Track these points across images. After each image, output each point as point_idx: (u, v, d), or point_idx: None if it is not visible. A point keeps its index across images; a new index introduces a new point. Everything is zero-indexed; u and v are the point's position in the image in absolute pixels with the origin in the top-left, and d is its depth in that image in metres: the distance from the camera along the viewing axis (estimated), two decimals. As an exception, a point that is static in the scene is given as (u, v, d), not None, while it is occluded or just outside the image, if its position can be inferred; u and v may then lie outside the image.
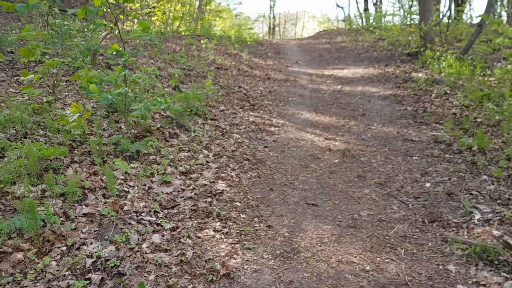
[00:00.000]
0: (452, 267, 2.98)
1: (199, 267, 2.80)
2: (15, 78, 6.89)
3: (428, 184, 4.43)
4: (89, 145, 4.17)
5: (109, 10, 4.22)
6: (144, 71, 6.67)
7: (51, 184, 3.17)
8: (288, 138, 5.70)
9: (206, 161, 4.65)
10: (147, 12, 26.98)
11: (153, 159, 4.42)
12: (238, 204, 3.79)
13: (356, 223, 3.64)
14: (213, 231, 3.30)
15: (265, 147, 5.28)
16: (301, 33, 49.29)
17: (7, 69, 7.32)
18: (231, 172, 4.42)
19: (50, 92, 5.69)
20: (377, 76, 10.16)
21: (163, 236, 3.13)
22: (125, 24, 20.83)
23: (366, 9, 26.88)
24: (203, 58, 10.46)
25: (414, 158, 5.16)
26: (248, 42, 14.78)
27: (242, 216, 3.61)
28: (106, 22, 4.17)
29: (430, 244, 3.31)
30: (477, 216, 3.67)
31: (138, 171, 4.12)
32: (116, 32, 4.15)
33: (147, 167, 4.18)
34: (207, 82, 7.34)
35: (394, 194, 4.24)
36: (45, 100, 5.56)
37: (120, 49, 4.38)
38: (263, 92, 8.41)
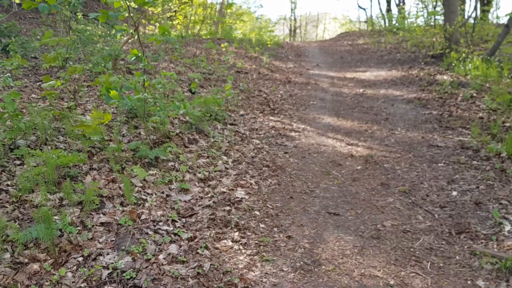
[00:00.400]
0: (482, 282, 2.82)
1: (217, 280, 2.71)
2: (37, 83, 6.98)
3: (454, 193, 4.25)
4: (108, 151, 4.16)
5: (130, 15, 4.21)
6: (164, 76, 6.66)
7: (68, 193, 3.15)
8: (309, 143, 5.58)
9: (225, 168, 4.57)
10: (169, 16, 27.29)
11: (171, 165, 4.37)
12: (257, 213, 3.70)
13: (380, 234, 3.50)
14: (231, 241, 3.22)
15: (285, 153, 5.18)
16: (322, 35, 48.94)
17: (30, 75, 7.44)
18: (250, 179, 4.34)
19: (72, 98, 5.73)
20: (401, 78, 9.92)
21: (180, 246, 3.06)
22: (147, 28, 21.07)
23: (388, 10, 26.44)
24: (223, 61, 10.43)
25: (439, 165, 4.97)
26: (269, 45, 14.71)
27: (261, 225, 3.52)
28: (126, 27, 4.15)
29: (457, 257, 3.15)
30: (508, 227, 3.48)
31: (157, 178, 4.08)
32: (136, 37, 4.12)
33: (166, 174, 4.13)
34: (227, 86, 7.28)
35: (419, 203, 4.08)
36: (66, 106, 5.60)
37: (140, 54, 4.35)
38: (283, 96, 8.31)
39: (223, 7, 23.42)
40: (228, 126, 5.98)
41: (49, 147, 4.21)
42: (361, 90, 8.94)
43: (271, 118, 6.72)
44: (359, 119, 6.90)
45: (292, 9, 46.83)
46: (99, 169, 3.97)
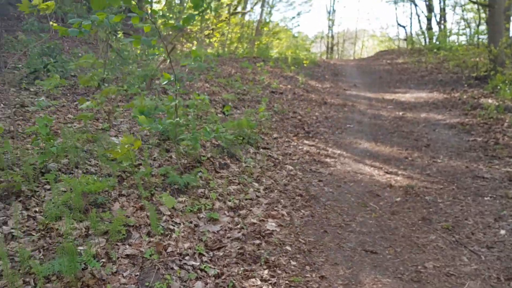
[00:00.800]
0: None
1: (243, 327, 2.53)
2: (74, 103, 7.11)
3: (503, 231, 3.89)
4: (136, 177, 4.09)
5: (161, 40, 4.22)
6: (196, 98, 6.62)
7: (94, 223, 3.07)
8: (345, 171, 5.34)
9: (256, 196, 4.41)
10: (206, 33, 27.71)
11: (201, 192, 4.25)
12: (289, 248, 3.50)
13: (421, 277, 3.22)
14: (260, 280, 3.03)
15: (319, 181, 4.96)
16: (360, 52, 48.42)
17: (68, 94, 7.59)
18: (282, 210, 4.14)
19: (106, 119, 5.75)
20: (442, 101, 9.50)
21: (206, 284, 2.90)
22: (185, 46, 21.46)
23: (429, 28, 25.77)
24: (258, 81, 10.36)
25: (486, 198, 4.61)
26: (305, 65, 14.57)
27: (293, 263, 3.31)
28: (161, 49, 4.11)
29: (510, 310, 2.83)
30: None
31: (186, 205, 3.96)
32: (169, 61, 4.09)
33: (195, 202, 4.01)
34: (261, 108, 7.16)
35: (464, 242, 3.75)
36: (100, 127, 5.63)
37: (172, 78, 4.30)
38: (319, 118, 8.10)
39: (260, 26, 23.58)
40: (261, 150, 5.83)
41: (80, 171, 4.19)
42: (400, 113, 8.60)
43: (305, 142, 6.52)
44: (399, 145, 6.58)
45: (329, 26, 46.73)
46: (128, 195, 3.90)
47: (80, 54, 10.62)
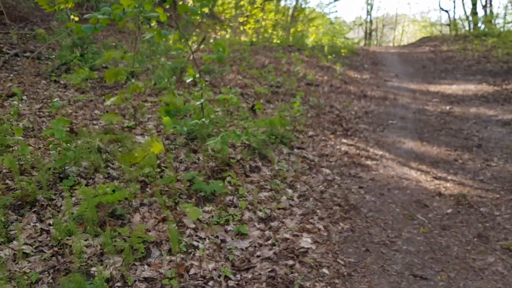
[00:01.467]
0: None
1: None
2: (102, 97, 6.89)
3: None
4: (161, 183, 3.77)
5: (180, 30, 3.91)
6: (226, 92, 6.24)
7: (108, 242, 2.77)
8: (388, 175, 4.84)
9: (290, 205, 4.01)
10: (241, 21, 27.32)
11: (229, 200, 3.89)
12: (326, 271, 3.09)
13: (482, 312, 2.74)
14: (293, 313, 2.65)
15: (360, 187, 4.49)
16: (400, 38, 46.57)
17: (97, 87, 7.39)
18: (318, 223, 3.73)
19: (132, 116, 5.48)
20: (493, 94, 8.72)
21: (231, 316, 2.55)
22: (218, 33, 21.12)
23: (474, 13, 24.20)
24: (293, 72, 9.87)
25: (555, 211, 4.02)
26: (343, 54, 13.89)
27: (330, 290, 2.90)
28: (184, 44, 3.74)
29: None
30: None
31: (212, 216, 3.61)
32: (192, 56, 3.70)
33: (222, 212, 3.65)
34: (295, 103, 6.70)
35: (531, 268, 3.22)
36: (126, 125, 5.36)
37: (196, 75, 3.93)
38: (358, 113, 7.56)
39: (295, 12, 22.89)
40: (295, 150, 5.40)
41: (101, 175, 3.92)
42: (447, 108, 7.92)
43: (343, 140, 6.03)
44: (447, 145, 5.98)
45: (368, 11, 45.18)
46: (151, 204, 3.59)
47: (112, 44, 10.46)
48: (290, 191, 4.27)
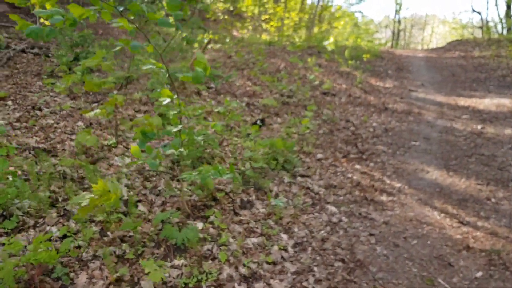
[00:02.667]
0: None
1: None
2: (94, 104, 6.29)
3: None
4: (124, 229, 3.10)
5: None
6: (227, 105, 5.55)
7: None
8: (406, 218, 4.05)
9: (282, 257, 3.28)
10: (263, 19, 26.56)
11: (208, 250, 3.20)
12: None
13: None
14: None
15: (370, 234, 3.72)
16: (429, 39, 44.93)
17: (91, 93, 6.80)
18: (313, 286, 2.99)
19: (113, 134, 4.84)
20: (534, 112, 7.75)
21: None
22: (240, 31, 20.42)
23: (509, 16, 22.76)
24: (308, 80, 9.08)
25: None
26: (365, 59, 12.99)
27: None
28: (154, 61, 3.06)
29: None
30: None
31: (181, 273, 2.93)
32: (168, 76, 2.95)
33: (194, 269, 2.95)
34: (305, 119, 5.95)
35: None
36: (107, 143, 4.73)
37: (175, 97, 3.23)
38: (376, 130, 6.74)
39: (319, 10, 21.96)
40: (298, 178, 4.66)
41: (55, 214, 3.28)
42: (479, 127, 7.02)
43: (357, 167, 5.26)
44: (478, 176, 5.14)
45: (396, 10, 43.71)
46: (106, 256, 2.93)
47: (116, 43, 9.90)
48: (284, 236, 3.55)
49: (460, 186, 4.85)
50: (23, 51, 10.24)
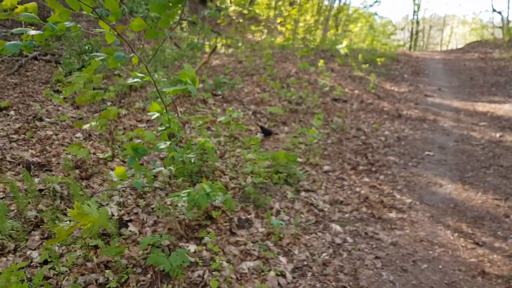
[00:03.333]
0: None
1: None
2: (95, 114, 6.16)
3: None
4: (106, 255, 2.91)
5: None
6: (229, 114, 5.34)
7: None
8: (416, 238, 3.76)
9: (279, 284, 3.05)
10: (278, 22, 26.36)
11: (198, 276, 2.99)
12: None
13: None
14: None
15: (376, 257, 3.45)
16: (448, 40, 44.01)
17: (94, 102, 6.68)
18: (310, 319, 2.75)
19: (109, 146, 4.68)
20: (558, 118, 7.33)
21: None
22: (255, 34, 20.24)
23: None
24: (318, 86, 8.81)
25: None
26: (379, 63, 12.64)
27: None
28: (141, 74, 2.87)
29: None
30: None
31: (168, 304, 2.72)
32: (156, 84, 2.76)
33: (182, 298, 2.75)
34: (311, 129, 5.70)
35: None
36: (101, 156, 4.57)
37: (163, 112, 3.03)
38: (388, 140, 6.44)
39: (332, 13, 21.63)
40: (302, 193, 4.42)
41: (38, 237, 3.12)
42: (497, 135, 6.65)
43: (365, 179, 4.98)
44: (495, 190, 4.81)
45: (414, 11, 43.09)
46: (88, 284, 2.74)
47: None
48: (283, 260, 3.31)
49: (476, 201, 4.53)
50: (35, 58, 10.23)
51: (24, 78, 8.89)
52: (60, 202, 3.57)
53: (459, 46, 31.89)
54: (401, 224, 3.98)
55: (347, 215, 4.10)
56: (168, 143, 3.05)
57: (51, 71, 9.39)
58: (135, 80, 2.95)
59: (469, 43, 23.59)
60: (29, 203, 3.48)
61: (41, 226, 3.19)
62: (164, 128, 3.11)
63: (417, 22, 39.52)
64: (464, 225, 4.02)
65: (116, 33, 2.73)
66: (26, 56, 10.13)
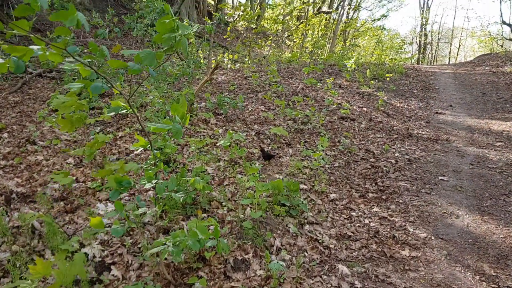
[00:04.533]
0: None
1: None
2: (90, 137, 5.87)
3: None
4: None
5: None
6: (228, 138, 5.03)
7: None
8: (432, 282, 3.37)
9: None
10: (287, 35, 26.18)
11: (186, 332, 2.63)
12: None
13: None
14: None
15: (388, 307, 3.08)
16: (457, 52, 43.52)
17: (91, 124, 6.41)
18: None
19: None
20: None
21: None
22: (264, 47, 20.04)
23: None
24: (325, 104, 8.47)
25: None
26: (388, 79, 12.29)
27: None
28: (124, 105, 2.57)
29: None
30: None
31: None
32: (138, 117, 2.45)
33: None
34: (317, 153, 5.36)
35: None
36: (89, 186, 4.25)
37: (147, 143, 2.71)
38: (399, 162, 6.07)
39: (340, 27, 21.41)
40: (306, 227, 4.06)
41: (8, 282, 2.79)
42: (516, 157, 6.25)
43: (374, 209, 4.61)
44: (519, 222, 4.41)
45: (422, 24, 42.82)
46: None
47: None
48: (283, 310, 2.95)
49: (497, 236, 4.13)
50: (39, 75, 10.03)
51: (26, 96, 8.69)
52: (38, 242, 3.25)
53: (468, 59, 31.46)
54: (415, 265, 3.60)
55: (355, 253, 3.73)
56: (154, 182, 2.72)
57: (54, 88, 9.18)
58: (111, 113, 2.64)
59: (478, 56, 23.18)
60: (5, 242, 3.17)
61: (12, 272, 2.87)
62: (148, 165, 2.79)
63: (425, 35, 39.20)
64: (486, 265, 3.63)
65: (91, 68, 2.44)
66: (31, 73, 9.94)
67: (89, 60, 2.47)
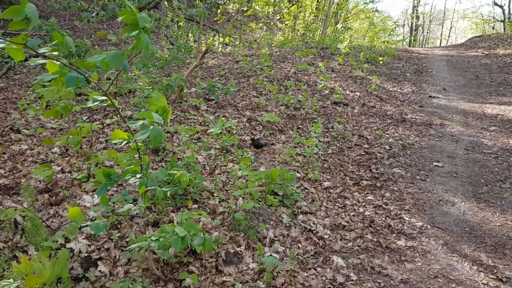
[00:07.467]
0: None
1: None
2: (77, 126, 5.68)
3: None
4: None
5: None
6: (222, 124, 4.88)
7: None
8: (430, 273, 3.30)
9: None
10: (279, 18, 25.80)
11: (176, 331, 2.53)
12: None
13: None
14: None
15: (384, 300, 3.00)
16: (448, 34, 43.39)
17: (84, 110, 6.22)
18: None
19: (83, 167, 4.20)
20: None
21: None
22: (255, 30, 19.71)
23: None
24: (318, 88, 8.32)
25: None
26: (381, 62, 12.14)
27: None
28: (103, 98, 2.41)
29: None
30: None
31: None
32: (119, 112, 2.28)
33: None
34: (310, 140, 5.24)
35: None
36: (75, 177, 4.10)
37: (137, 139, 2.56)
38: (393, 148, 5.98)
39: (332, 10, 21.12)
40: (300, 217, 3.96)
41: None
42: (511, 142, 6.18)
43: (369, 197, 4.52)
44: (515, 209, 4.35)
45: (414, 6, 42.55)
46: None
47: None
48: (276, 305, 2.86)
49: (494, 224, 4.07)
50: (25, 59, 9.75)
51: (11, 82, 8.43)
52: (21, 237, 3.11)
53: (460, 41, 31.37)
54: (411, 255, 3.52)
55: (350, 244, 3.64)
56: (139, 176, 2.58)
57: (40, 73, 8.91)
58: (94, 103, 2.48)
59: (470, 38, 23.06)
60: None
61: (-7, 271, 2.73)
62: (131, 157, 2.64)
63: (417, 17, 38.97)
64: (483, 255, 3.56)
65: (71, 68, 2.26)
66: (14, 58, 9.64)
67: (56, 53, 2.29)
